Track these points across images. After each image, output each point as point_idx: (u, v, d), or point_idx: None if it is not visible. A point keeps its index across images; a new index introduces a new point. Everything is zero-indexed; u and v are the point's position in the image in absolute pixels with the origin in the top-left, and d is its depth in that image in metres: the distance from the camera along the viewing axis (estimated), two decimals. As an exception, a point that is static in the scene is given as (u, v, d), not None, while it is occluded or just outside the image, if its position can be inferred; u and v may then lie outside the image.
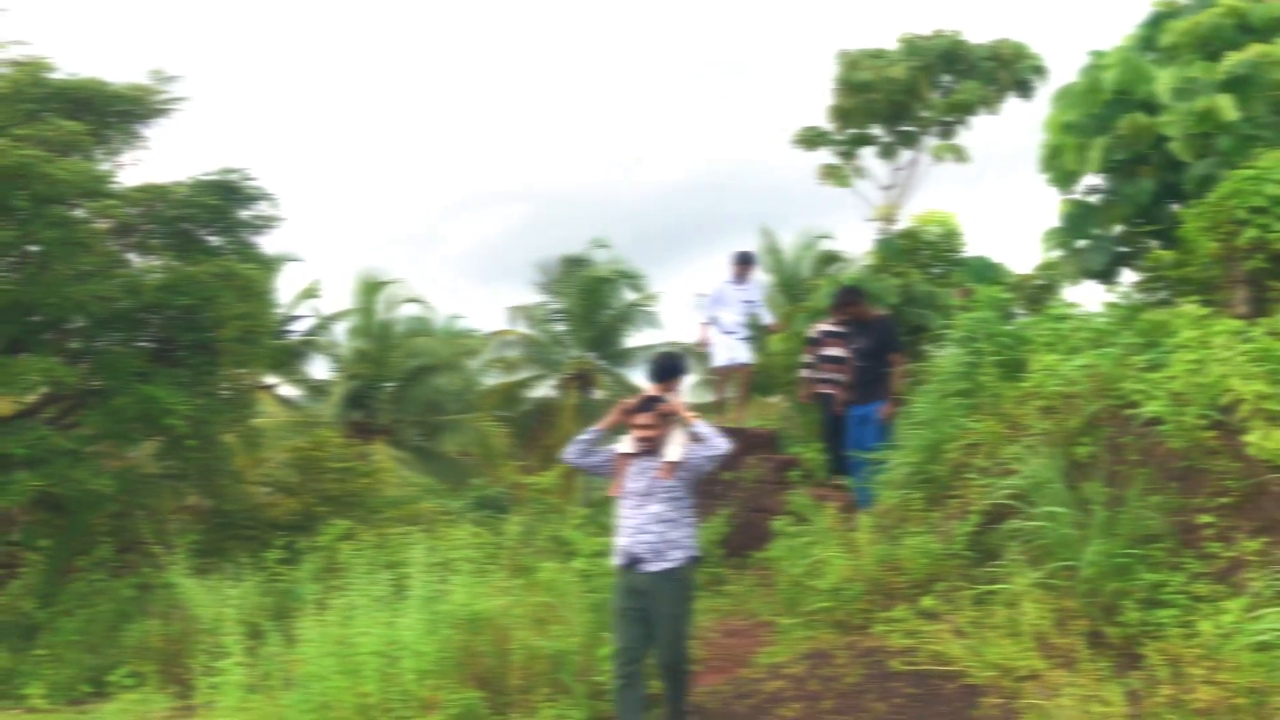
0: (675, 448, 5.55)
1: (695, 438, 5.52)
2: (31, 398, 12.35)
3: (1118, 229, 9.13)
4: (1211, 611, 4.96)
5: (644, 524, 5.48)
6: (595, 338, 25.07)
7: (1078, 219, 9.18)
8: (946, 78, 17.91)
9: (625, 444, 5.70)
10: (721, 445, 5.51)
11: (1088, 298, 9.55)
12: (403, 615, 6.25)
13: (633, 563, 5.48)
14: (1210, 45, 8.38)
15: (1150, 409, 5.90)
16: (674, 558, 5.46)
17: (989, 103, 17.66)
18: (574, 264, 24.90)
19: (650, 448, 5.58)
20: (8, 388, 10.90)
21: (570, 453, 5.76)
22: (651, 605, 5.42)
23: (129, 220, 12.43)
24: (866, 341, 8.74)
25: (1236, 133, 7.82)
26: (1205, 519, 5.46)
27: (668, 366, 6.37)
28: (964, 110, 17.71)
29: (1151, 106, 8.42)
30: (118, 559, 11.29)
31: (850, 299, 8.96)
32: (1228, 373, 5.81)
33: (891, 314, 9.83)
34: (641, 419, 5.60)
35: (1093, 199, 9.21)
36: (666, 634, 5.42)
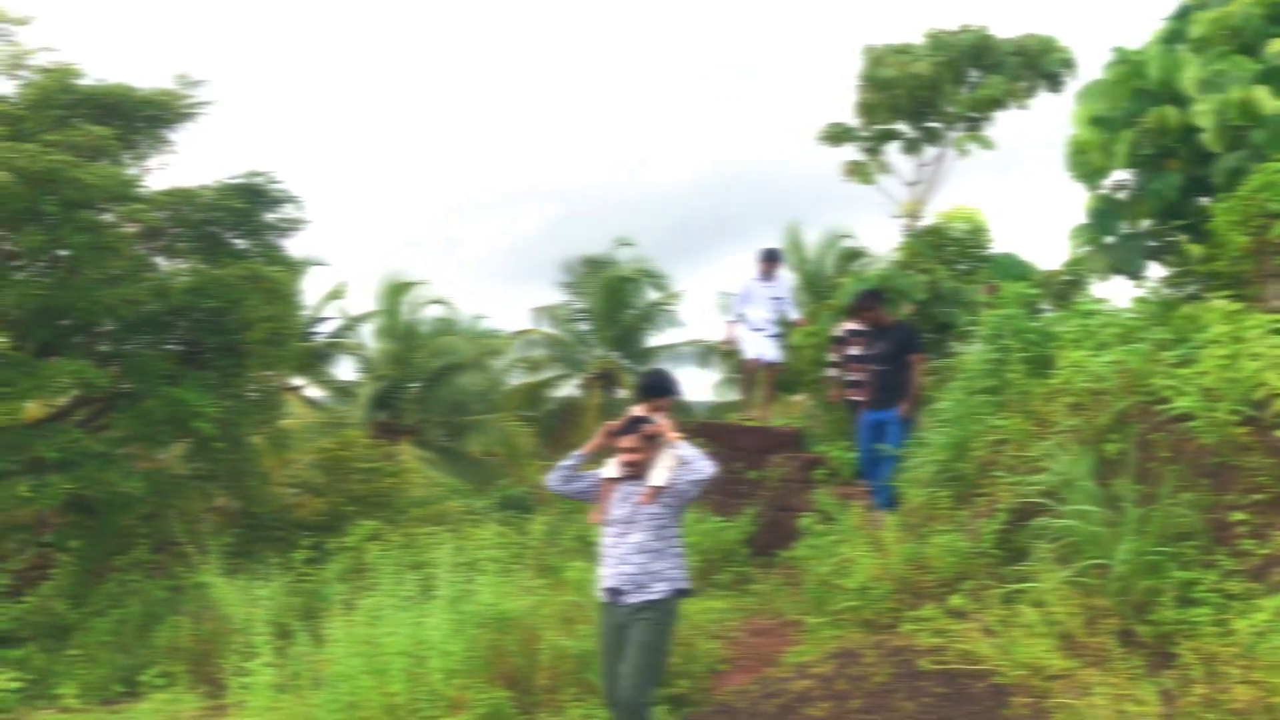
0: (661, 472, 5.22)
1: (679, 461, 5.17)
2: (62, 400, 12.50)
3: (1146, 224, 9.03)
4: (1245, 610, 4.90)
5: (626, 554, 5.15)
6: (619, 337, 25.11)
7: (1105, 214, 9.09)
8: (973, 73, 17.82)
9: (610, 468, 5.40)
10: (706, 469, 5.13)
11: (1116, 294, 9.41)
12: (430, 615, 6.27)
13: (615, 595, 5.16)
14: (1240, 37, 8.28)
15: (1181, 405, 5.83)
16: (657, 590, 5.11)
17: (1016, 97, 17.56)
18: (597, 263, 24.95)
19: (635, 472, 5.26)
20: (40, 391, 11.05)
21: (553, 479, 5.45)
22: (627, 636, 5.09)
23: (156, 224, 12.56)
24: (885, 346, 8.57)
25: (1273, 125, 7.71)
26: (1238, 516, 5.39)
27: (654, 385, 6.01)
28: (990, 106, 17.61)
29: (1179, 99, 8.32)
30: (148, 560, 11.41)
31: (867, 303, 8.76)
32: (1261, 368, 5.73)
33: (911, 318, 9.65)
34: (625, 441, 5.27)
35: (1120, 194, 9.12)
36: (631, 663, 5.00)
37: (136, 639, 9.57)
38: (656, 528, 5.16)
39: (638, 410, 5.63)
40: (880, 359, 8.59)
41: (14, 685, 8.50)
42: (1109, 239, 9.12)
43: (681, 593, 5.26)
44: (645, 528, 5.15)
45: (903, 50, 17.80)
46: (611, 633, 5.18)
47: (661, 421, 5.45)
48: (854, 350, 9.25)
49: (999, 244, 12.32)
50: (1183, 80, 8.20)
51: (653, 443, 5.28)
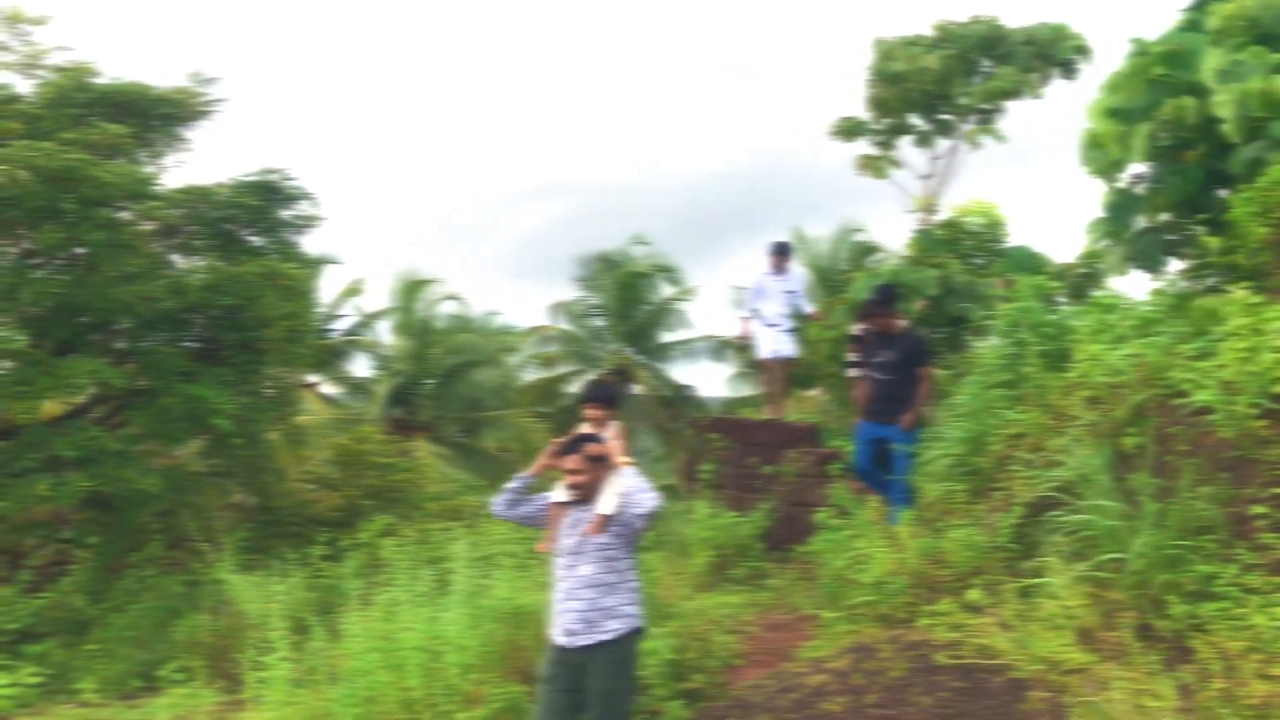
0: (610, 498, 4.74)
1: (624, 491, 4.70)
2: (80, 398, 12.58)
3: (1163, 217, 8.98)
4: (1265, 604, 4.87)
5: (573, 588, 4.70)
6: (633, 332, 25.12)
7: (1122, 208, 9.04)
8: (985, 63, 17.77)
9: (559, 491, 4.94)
10: (647, 504, 4.61)
11: (1133, 287, 9.28)
12: (446, 610, 6.29)
13: (565, 634, 4.71)
14: (1257, 28, 8.21)
15: (1200, 398, 5.80)
16: (609, 629, 4.66)
17: (1029, 87, 17.47)
18: (611, 259, 24.97)
19: (583, 495, 4.79)
20: (58, 389, 11.12)
21: (497, 505, 5.04)
22: (584, 682, 4.64)
23: (173, 221, 12.62)
24: (891, 355, 8.03)
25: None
26: (1258, 510, 5.35)
27: (590, 395, 5.50)
28: (1002, 97, 17.53)
29: (1197, 91, 8.27)
30: (166, 556, 11.48)
31: (876, 308, 8.20)
32: (1280, 360, 5.69)
33: (925, 312, 9.04)
34: (569, 462, 4.79)
35: (1137, 187, 9.07)
36: (595, 715, 4.62)
37: (154, 634, 9.64)
38: (606, 559, 4.71)
39: (585, 426, 5.25)
40: (885, 368, 8.05)
41: (34, 680, 8.58)
42: (1127, 232, 9.07)
43: (637, 631, 4.81)
44: (594, 559, 4.70)
45: (912, 43, 17.76)
46: (560, 672, 4.72)
47: (611, 441, 5.04)
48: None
49: (1015, 237, 12.28)
50: (1201, 71, 8.14)
51: (598, 464, 4.81)
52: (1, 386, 10.68)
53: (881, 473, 7.93)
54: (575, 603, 4.68)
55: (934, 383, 8.32)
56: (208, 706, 7.36)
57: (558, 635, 4.74)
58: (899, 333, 8.16)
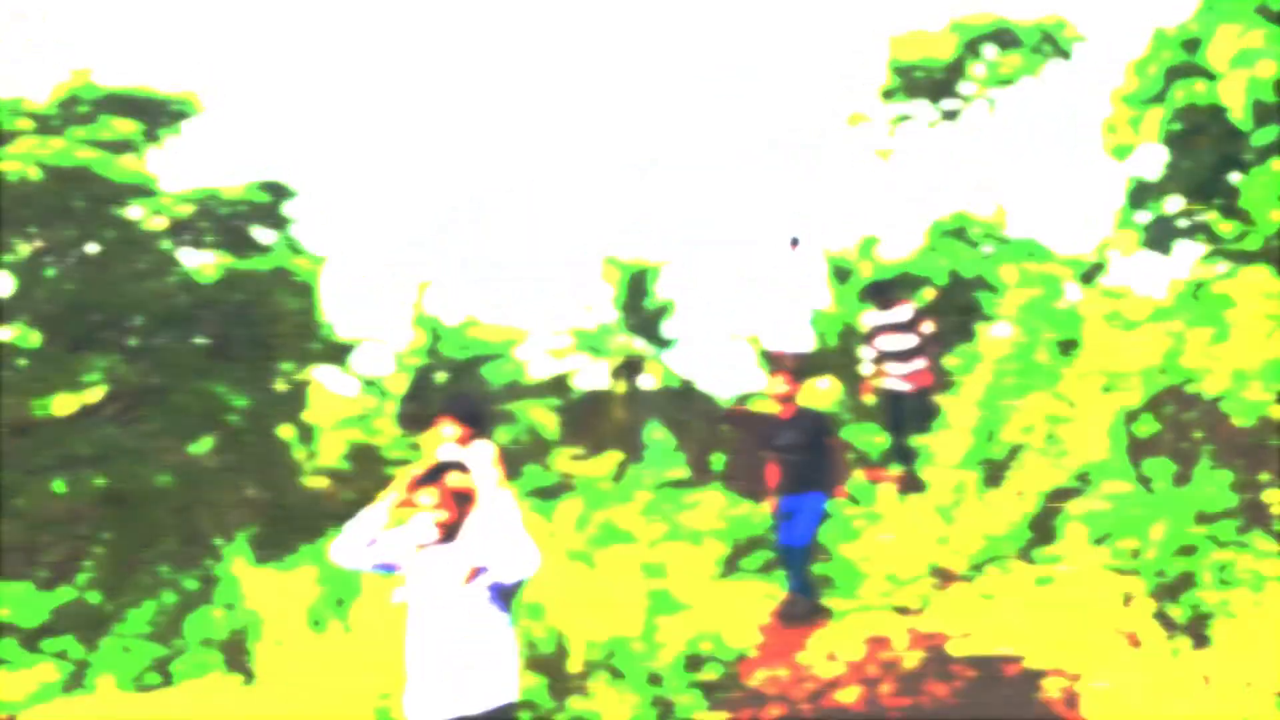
0: (479, 542, 3.94)
1: (498, 541, 3.88)
2: (94, 396, 12.63)
3: (1178, 203, 8.92)
4: (1282, 590, 4.85)
5: (430, 651, 3.86)
6: (642, 324, 25.07)
7: (1136, 193, 8.99)
8: (990, 53, 17.81)
9: (415, 528, 4.09)
10: (522, 568, 3.84)
11: (1146, 273, 9.25)
12: (460, 603, 6.28)
13: (420, 706, 3.86)
14: (1270, 12, 8.15)
15: (1214, 385, 5.76)
16: (472, 701, 3.80)
17: (1033, 76, 17.47)
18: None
19: (444, 536, 3.94)
20: (72, 386, 11.15)
21: (340, 550, 4.17)
22: None
23: (183, 219, 12.64)
24: (793, 436, 7.43)
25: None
26: (1274, 495, 5.32)
27: (452, 409, 4.57)
28: (1007, 85, 17.53)
29: (1210, 75, 8.21)
30: (182, 551, 11.51)
31: (783, 390, 7.55)
32: (1295, 346, 5.66)
33: (812, 405, 8.12)
34: (426, 495, 3.96)
35: (1151, 172, 9.02)
36: None
37: (171, 629, 9.66)
38: (474, 615, 3.86)
39: (446, 450, 4.46)
40: (790, 450, 7.46)
41: (53, 677, 8.62)
42: (1140, 218, 9.03)
43: (510, 707, 3.89)
44: (459, 613, 3.86)
45: (920, 34, 17.79)
46: None
47: (481, 472, 4.20)
48: (887, 343, 8.91)
49: (1022, 226, 12.24)
50: (1215, 56, 8.09)
51: (462, 501, 3.98)
52: (16, 384, 10.72)
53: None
54: (432, 667, 3.84)
55: (843, 453, 7.88)
56: (224, 700, 7.38)
57: (411, 709, 3.88)
58: (796, 412, 7.58)
